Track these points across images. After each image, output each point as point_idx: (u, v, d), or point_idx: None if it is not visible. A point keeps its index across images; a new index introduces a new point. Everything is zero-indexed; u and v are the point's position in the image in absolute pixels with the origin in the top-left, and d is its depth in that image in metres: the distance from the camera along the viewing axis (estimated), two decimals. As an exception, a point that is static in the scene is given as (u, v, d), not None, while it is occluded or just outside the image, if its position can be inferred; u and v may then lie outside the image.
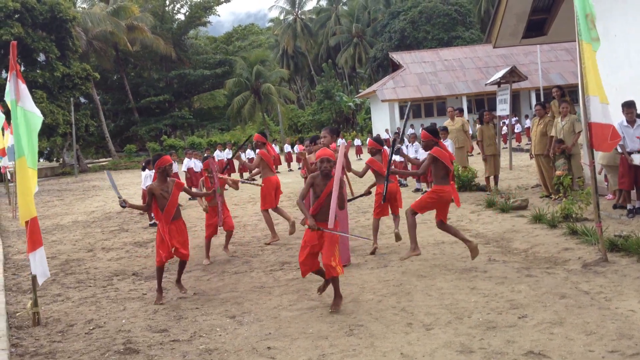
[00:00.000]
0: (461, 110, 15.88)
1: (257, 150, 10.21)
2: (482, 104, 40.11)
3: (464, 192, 13.26)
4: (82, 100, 46.36)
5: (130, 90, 50.31)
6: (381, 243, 8.93)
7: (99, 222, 14.32)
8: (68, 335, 5.72)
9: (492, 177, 13.23)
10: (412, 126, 33.13)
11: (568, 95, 12.42)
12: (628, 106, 8.80)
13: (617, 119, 9.18)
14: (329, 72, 55.78)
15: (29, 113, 6.29)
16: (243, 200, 15.89)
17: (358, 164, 21.46)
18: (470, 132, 26.64)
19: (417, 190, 14.76)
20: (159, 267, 6.72)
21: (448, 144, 12.51)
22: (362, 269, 7.41)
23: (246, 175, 23.79)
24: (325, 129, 8.23)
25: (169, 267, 8.57)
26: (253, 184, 10.10)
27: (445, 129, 13.18)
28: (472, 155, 24.94)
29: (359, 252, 8.40)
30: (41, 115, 6.53)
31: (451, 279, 6.57)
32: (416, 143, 14.81)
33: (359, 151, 31.94)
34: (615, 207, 9.38)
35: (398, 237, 8.37)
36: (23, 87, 6.31)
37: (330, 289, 6.05)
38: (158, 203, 6.66)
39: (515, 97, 35.07)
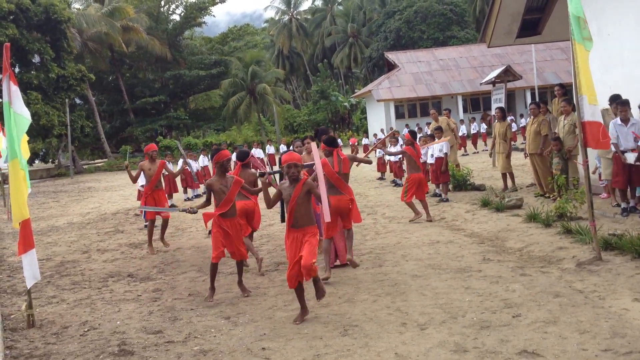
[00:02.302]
0: (450, 111, 15.95)
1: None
2: (478, 103, 40.20)
3: (459, 192, 13.27)
4: (78, 101, 46.29)
5: (126, 91, 50.19)
6: (376, 243, 8.94)
7: (94, 224, 14.29)
8: (63, 337, 5.72)
9: (507, 175, 13.02)
10: (407, 126, 33.18)
11: (568, 94, 12.33)
12: (622, 105, 8.81)
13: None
14: (324, 72, 55.76)
15: (17, 115, 6.28)
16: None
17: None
18: (464, 131, 26.76)
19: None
20: (214, 264, 6.64)
21: (443, 143, 12.50)
22: (356, 269, 7.41)
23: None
24: (329, 129, 8.25)
25: (165, 267, 8.57)
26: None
27: (439, 128, 13.19)
28: (467, 154, 25.04)
29: (354, 253, 8.38)
30: (29, 118, 6.51)
31: (445, 278, 6.58)
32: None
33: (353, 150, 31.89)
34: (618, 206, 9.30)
35: (353, 264, 7.36)
36: (14, 89, 6.29)
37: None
38: (215, 198, 6.64)
39: (510, 97, 35.13)
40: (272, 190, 6.28)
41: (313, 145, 6.55)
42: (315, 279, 5.63)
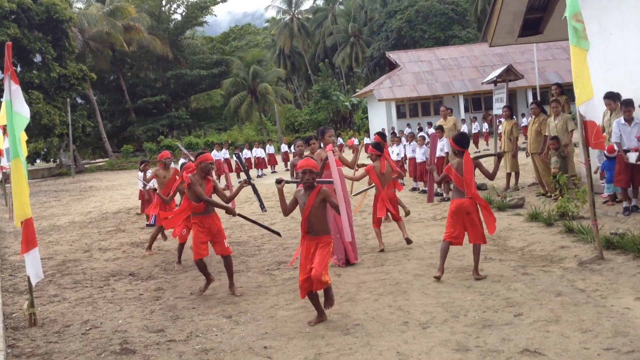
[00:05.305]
0: (451, 110, 15.95)
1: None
2: (479, 102, 40.15)
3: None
4: (79, 100, 46.37)
5: (127, 91, 50.26)
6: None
7: (96, 223, 14.30)
8: (64, 335, 5.72)
9: (513, 174, 12.93)
10: (408, 125, 33.17)
11: (566, 94, 12.27)
12: (626, 104, 8.80)
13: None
14: (325, 71, 55.82)
15: (15, 114, 6.27)
16: (240, 200, 15.89)
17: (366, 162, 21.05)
18: (466, 131, 26.72)
19: (413, 189, 14.76)
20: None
21: (444, 142, 12.51)
22: (358, 268, 7.42)
23: (242, 175, 23.82)
24: (329, 128, 8.14)
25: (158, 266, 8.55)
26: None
27: (440, 127, 13.19)
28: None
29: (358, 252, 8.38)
30: (28, 116, 6.49)
31: (447, 277, 6.57)
32: (413, 142, 14.80)
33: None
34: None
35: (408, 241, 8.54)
36: (14, 88, 6.29)
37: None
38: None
39: (512, 96, 35.08)
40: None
41: (329, 154, 6.17)
42: (327, 288, 5.45)
